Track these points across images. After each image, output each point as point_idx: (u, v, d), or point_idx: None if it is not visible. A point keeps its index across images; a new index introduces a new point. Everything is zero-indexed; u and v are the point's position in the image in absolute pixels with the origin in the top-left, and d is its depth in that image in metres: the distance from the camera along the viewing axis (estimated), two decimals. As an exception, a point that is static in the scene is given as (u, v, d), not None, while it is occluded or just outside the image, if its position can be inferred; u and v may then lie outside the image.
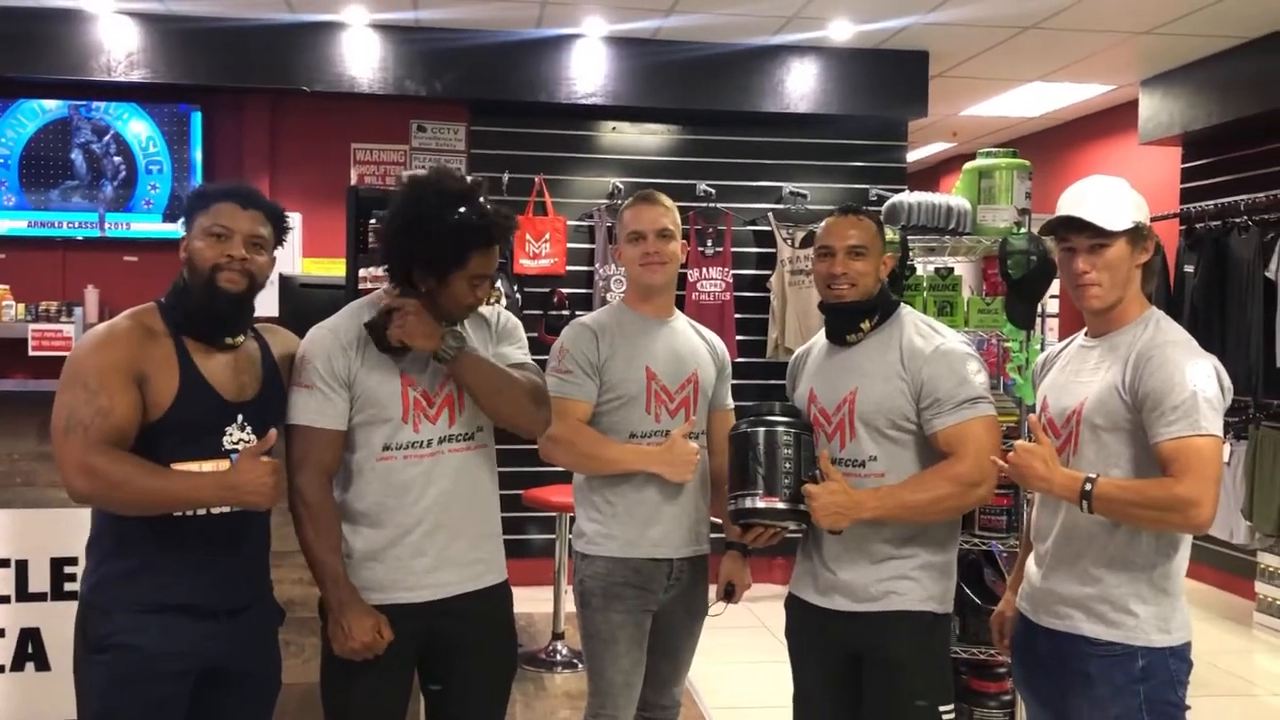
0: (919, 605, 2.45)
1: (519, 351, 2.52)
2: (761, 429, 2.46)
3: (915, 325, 2.53)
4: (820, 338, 2.67)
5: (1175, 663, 2.19)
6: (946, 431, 2.41)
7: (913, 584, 2.46)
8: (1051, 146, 8.21)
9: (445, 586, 2.37)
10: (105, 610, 2.14)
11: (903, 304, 2.61)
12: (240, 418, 2.24)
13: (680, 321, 2.88)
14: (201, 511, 2.17)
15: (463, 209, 2.30)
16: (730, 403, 2.94)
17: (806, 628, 2.60)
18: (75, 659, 2.19)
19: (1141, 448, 2.17)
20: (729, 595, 2.85)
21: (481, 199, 2.34)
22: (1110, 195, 2.30)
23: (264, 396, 2.29)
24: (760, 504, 2.44)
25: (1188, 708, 2.22)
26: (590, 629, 2.73)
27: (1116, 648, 2.19)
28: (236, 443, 2.22)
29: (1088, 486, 2.14)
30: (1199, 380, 2.11)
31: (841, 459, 2.48)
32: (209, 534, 2.19)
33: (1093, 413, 2.24)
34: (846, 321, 2.55)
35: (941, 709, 2.46)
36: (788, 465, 2.43)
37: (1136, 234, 2.27)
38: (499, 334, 2.51)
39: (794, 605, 2.64)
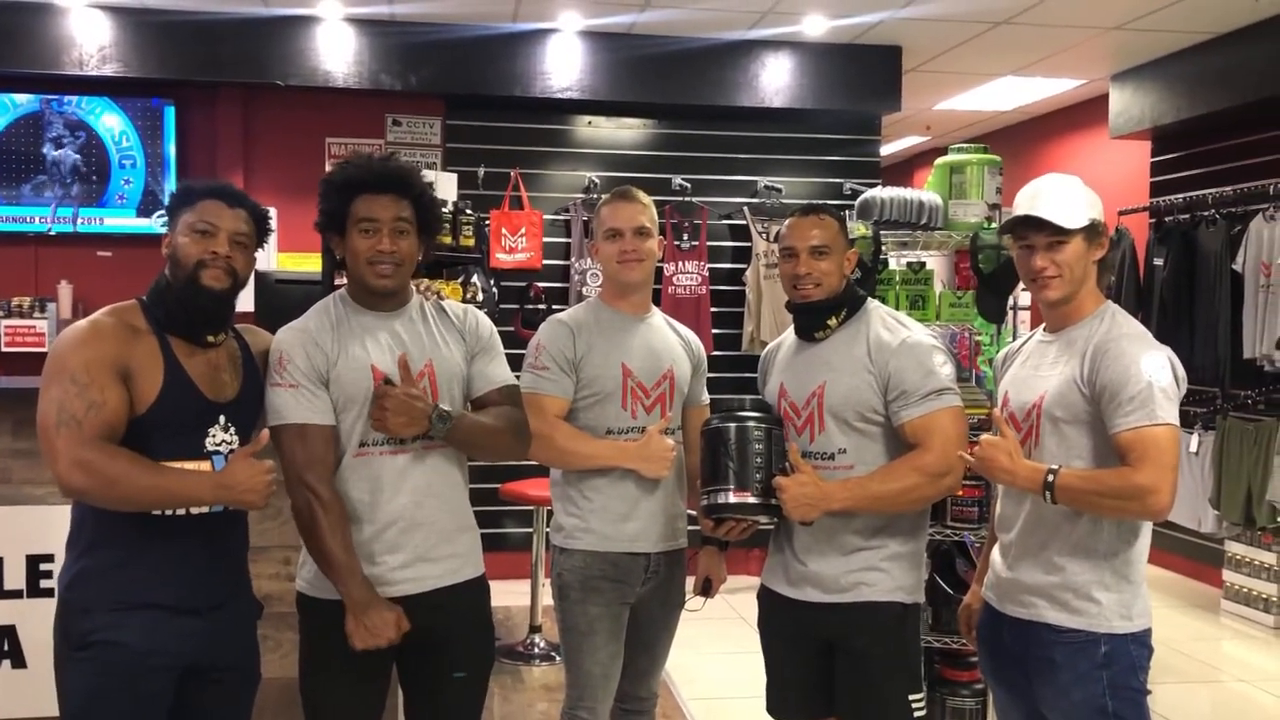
0: (888, 596, 2.49)
1: (500, 368, 2.52)
2: (732, 425, 2.49)
3: (882, 319, 2.57)
4: (790, 333, 2.71)
5: (1136, 649, 2.24)
6: (914, 423, 2.45)
7: (882, 575, 2.49)
8: (1023, 140, 8.28)
9: (422, 581, 2.38)
10: (85, 608, 2.14)
11: (870, 299, 2.65)
12: (223, 418, 2.24)
13: (657, 318, 2.90)
14: (181, 511, 2.17)
15: (353, 165, 2.40)
16: (706, 398, 2.97)
17: (778, 619, 2.64)
18: (56, 657, 2.19)
19: (1101, 439, 2.22)
20: (706, 590, 2.89)
21: (387, 160, 2.42)
22: (1066, 193, 2.35)
23: (245, 397, 2.29)
24: (732, 499, 2.46)
25: (1149, 692, 2.27)
26: (568, 622, 2.75)
27: (1080, 635, 2.23)
28: (219, 443, 2.22)
29: (1050, 478, 2.19)
30: (1154, 371, 2.17)
31: (811, 452, 2.51)
32: (189, 531, 2.19)
33: (1053, 406, 2.29)
34: (814, 320, 2.58)
35: (911, 698, 2.50)
36: (758, 460, 2.45)
37: (1092, 230, 2.33)
38: (475, 344, 2.50)
39: (766, 596, 2.68)
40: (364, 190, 2.36)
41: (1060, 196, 2.33)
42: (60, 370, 2.09)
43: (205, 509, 2.19)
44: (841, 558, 2.50)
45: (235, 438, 2.25)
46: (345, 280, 2.50)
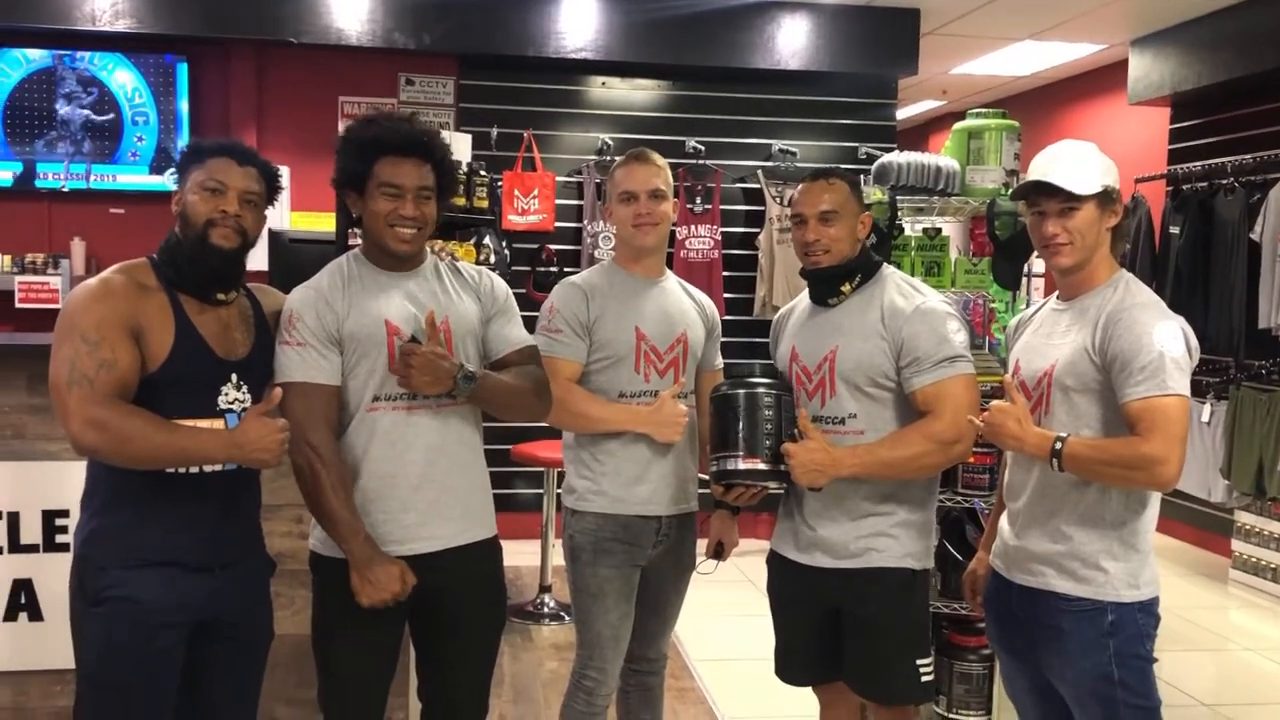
0: (897, 562, 2.50)
1: (517, 329, 2.55)
2: (742, 391, 2.49)
3: (897, 285, 2.56)
4: (804, 298, 2.69)
5: (1144, 617, 2.25)
6: (925, 389, 2.44)
7: (891, 541, 2.51)
8: (1041, 106, 8.20)
9: (434, 540, 2.39)
10: (100, 565, 2.16)
11: (885, 264, 2.63)
12: (235, 376, 2.24)
13: (670, 281, 2.88)
14: (194, 469, 2.18)
15: (376, 125, 2.39)
16: (719, 363, 2.96)
17: (787, 583, 2.65)
18: (72, 612, 2.21)
19: (1111, 408, 2.21)
20: (718, 554, 2.91)
21: (405, 123, 2.40)
22: (1081, 159, 2.33)
23: (256, 356, 2.29)
24: (742, 465, 2.47)
25: (1155, 660, 2.28)
26: (579, 583, 2.77)
27: (1087, 603, 2.24)
28: (232, 402, 2.23)
29: (1058, 445, 2.19)
30: (1165, 341, 2.16)
31: (822, 416, 2.51)
32: (202, 490, 2.21)
33: (1063, 374, 2.28)
34: (826, 287, 2.58)
35: (919, 662, 2.52)
36: (768, 426, 2.46)
37: (1106, 198, 2.31)
38: (491, 305, 2.51)
39: (775, 561, 2.68)
40: (388, 152, 2.35)
41: (1074, 162, 2.31)
42: (71, 329, 2.09)
43: (218, 467, 2.20)
44: (851, 523, 2.51)
45: (248, 396, 2.26)
46: (360, 239, 2.50)
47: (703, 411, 2.83)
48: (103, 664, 2.15)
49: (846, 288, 2.56)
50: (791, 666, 2.70)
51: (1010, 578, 2.39)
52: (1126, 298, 2.27)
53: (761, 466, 2.46)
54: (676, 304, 2.83)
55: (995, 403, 2.31)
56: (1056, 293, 2.44)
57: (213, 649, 2.27)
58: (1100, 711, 2.25)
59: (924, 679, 2.54)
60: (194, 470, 2.18)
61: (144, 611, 2.14)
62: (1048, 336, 2.37)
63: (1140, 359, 2.15)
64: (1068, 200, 2.28)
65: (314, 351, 2.32)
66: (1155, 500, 2.29)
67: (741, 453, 2.47)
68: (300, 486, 2.34)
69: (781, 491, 2.60)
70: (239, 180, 2.22)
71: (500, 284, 2.58)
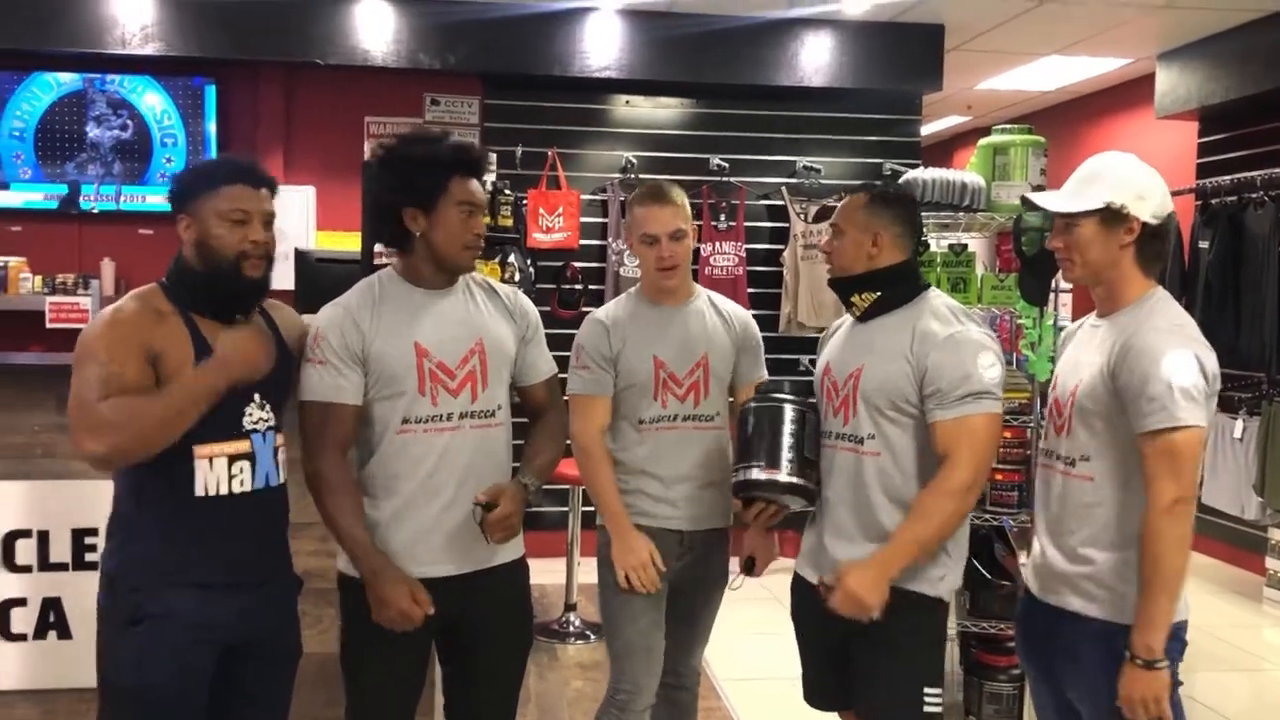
0: (910, 585, 2.41)
1: (545, 358, 2.60)
2: (767, 404, 2.52)
3: (936, 310, 2.46)
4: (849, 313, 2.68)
5: (1171, 642, 2.15)
6: (944, 425, 2.36)
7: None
8: (1067, 121, 8.16)
9: (464, 563, 2.39)
10: (134, 586, 2.16)
11: (932, 288, 2.56)
12: (258, 396, 2.24)
13: (700, 302, 2.88)
14: (225, 491, 2.18)
15: (436, 141, 2.41)
16: (761, 374, 2.92)
17: (806, 607, 2.60)
18: (103, 633, 2.20)
19: (1125, 434, 2.16)
20: (750, 568, 2.88)
21: (448, 138, 2.45)
22: (1092, 174, 2.29)
23: (277, 374, 2.29)
24: (760, 476, 2.46)
25: (1180, 683, 2.20)
26: (608, 594, 2.80)
27: (1104, 624, 2.19)
28: (256, 422, 2.23)
29: (1145, 650, 2.10)
30: (1174, 371, 2.09)
31: (842, 434, 2.48)
32: (234, 511, 2.21)
33: (1084, 396, 2.25)
34: (840, 294, 2.58)
35: (926, 691, 2.44)
36: (790, 440, 2.46)
37: (1110, 215, 2.23)
38: (525, 328, 2.53)
39: (796, 584, 2.65)
40: (464, 171, 2.38)
41: (1084, 178, 2.29)
42: (85, 356, 2.10)
43: (247, 489, 2.21)
44: (870, 545, 2.43)
45: (271, 415, 2.26)
46: (395, 256, 2.47)
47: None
48: (138, 683, 2.15)
49: (859, 299, 2.52)
50: (815, 692, 2.67)
51: (1038, 595, 2.36)
52: (1146, 321, 2.19)
53: (780, 479, 2.45)
54: (700, 327, 2.83)
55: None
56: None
57: (243, 668, 2.26)
58: None
59: (928, 709, 2.43)
60: (223, 492, 2.18)
61: (181, 627, 2.14)
62: (1081, 354, 2.33)
63: (1149, 389, 2.10)
64: (1065, 215, 2.27)
65: (333, 370, 2.33)
66: None
67: (761, 463, 2.47)
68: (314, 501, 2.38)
69: (803, 509, 2.57)
70: (258, 204, 2.21)
71: (532, 308, 2.60)
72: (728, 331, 2.87)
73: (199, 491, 2.16)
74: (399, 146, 2.42)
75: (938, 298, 2.52)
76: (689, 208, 2.82)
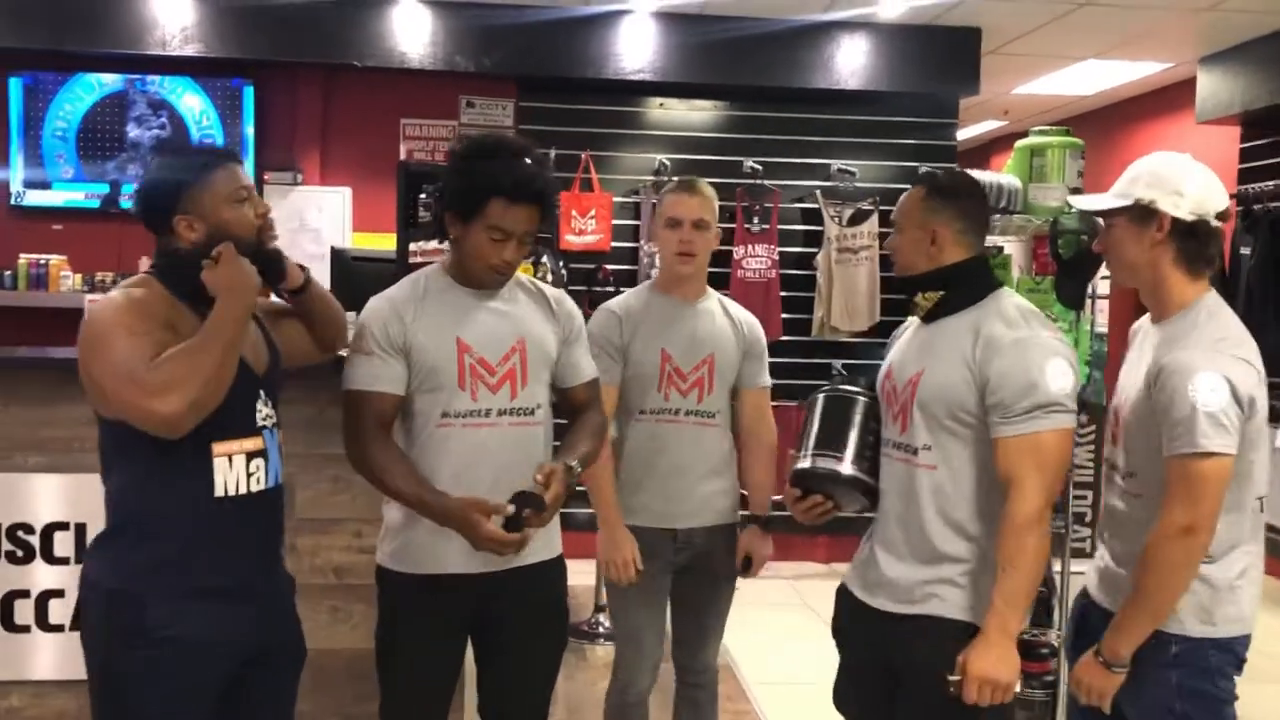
0: (958, 613, 2.24)
1: (587, 360, 2.58)
2: (838, 395, 2.45)
3: (1005, 312, 2.26)
4: None
5: (1217, 654, 2.14)
6: (1007, 444, 2.15)
7: (958, 591, 2.24)
8: (1106, 126, 8.08)
9: (497, 559, 2.38)
10: (139, 602, 2.03)
11: (1005, 287, 2.36)
12: (263, 392, 2.17)
13: (710, 302, 2.96)
14: (244, 490, 2.11)
15: (499, 158, 2.32)
16: (764, 381, 3.01)
17: (850, 620, 2.46)
18: (96, 647, 2.08)
19: (1159, 452, 2.11)
20: (745, 568, 2.96)
21: (527, 159, 2.33)
22: (1135, 175, 2.23)
23: (273, 369, 2.24)
24: (822, 466, 2.38)
25: (1231, 699, 2.17)
26: (610, 586, 2.93)
27: (1155, 633, 2.14)
28: (265, 418, 2.17)
29: (1116, 662, 2.15)
30: (1201, 394, 2.02)
31: (900, 442, 2.33)
32: (245, 510, 2.13)
33: (1129, 410, 2.23)
34: (904, 293, 2.42)
35: None
36: (857, 434, 2.37)
37: (1141, 212, 2.18)
38: (569, 330, 2.51)
39: (842, 596, 2.50)
40: (504, 194, 2.29)
41: (1128, 177, 2.24)
42: (109, 334, 1.96)
43: (263, 486, 2.14)
44: (921, 566, 2.28)
45: (274, 411, 2.21)
46: (423, 255, 2.53)
47: (743, 429, 2.99)
48: (143, 706, 2.04)
49: (922, 299, 2.34)
50: (845, 700, 2.53)
51: (1094, 597, 2.34)
52: (1187, 335, 2.13)
53: (844, 471, 2.36)
54: (710, 326, 2.91)
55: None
56: None
57: (253, 675, 2.18)
58: None
59: None
60: (236, 492, 2.10)
61: (190, 649, 2.04)
62: (1137, 361, 2.27)
63: (1174, 412, 2.05)
64: (1095, 214, 2.30)
65: (376, 360, 2.35)
66: (1249, 536, 2.18)
67: (824, 453, 2.38)
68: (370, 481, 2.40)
69: (859, 513, 2.47)
70: (247, 178, 2.16)
71: (576, 311, 2.58)
72: (735, 334, 2.94)
73: (219, 492, 2.08)
74: (466, 147, 2.38)
75: (1009, 298, 2.32)
76: (717, 206, 2.88)
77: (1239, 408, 2.05)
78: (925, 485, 2.27)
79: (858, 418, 2.38)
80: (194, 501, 2.07)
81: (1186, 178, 2.19)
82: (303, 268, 2.31)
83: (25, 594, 2.98)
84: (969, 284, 2.32)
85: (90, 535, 3.01)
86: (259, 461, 2.15)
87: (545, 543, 2.48)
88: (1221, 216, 2.21)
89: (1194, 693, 2.14)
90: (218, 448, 2.08)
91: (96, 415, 2.12)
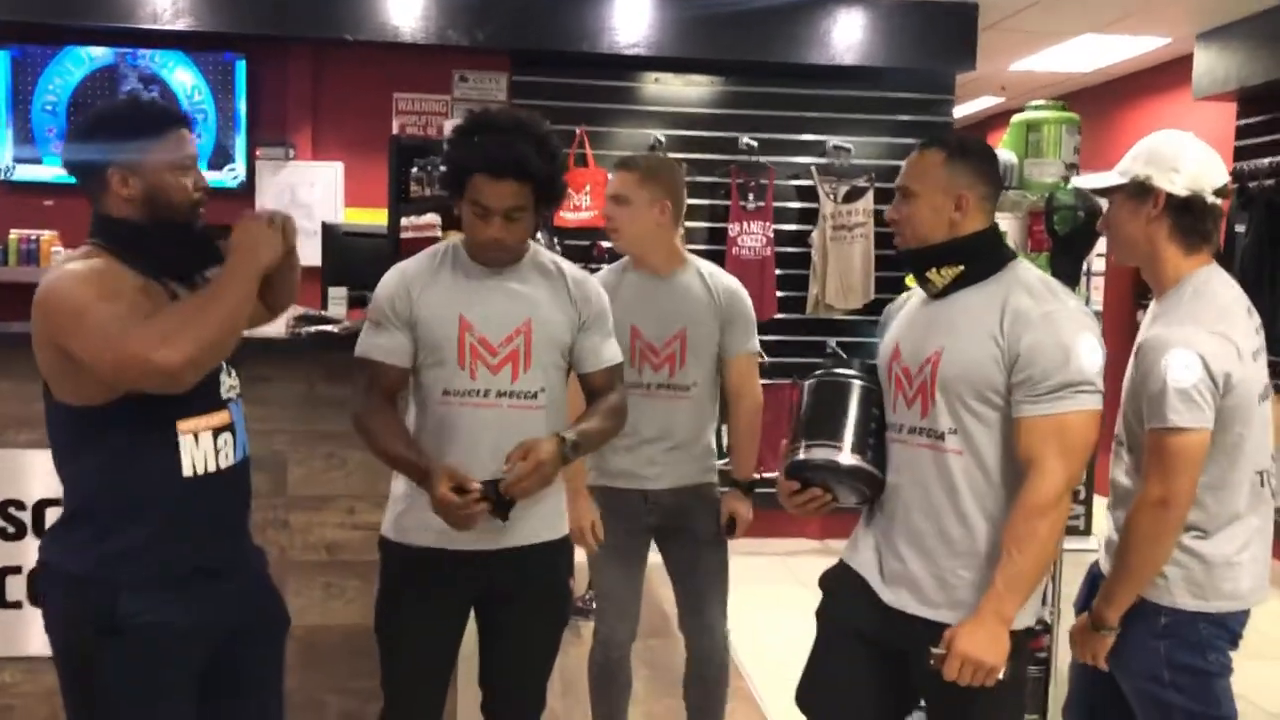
0: None
1: (608, 346, 2.51)
2: (830, 380, 2.29)
3: (1029, 283, 2.14)
4: (918, 288, 2.34)
5: (1208, 628, 2.19)
6: (1030, 424, 2.04)
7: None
8: (1103, 103, 8.05)
9: (498, 538, 2.38)
10: (112, 590, 1.96)
11: (1021, 259, 2.23)
12: (225, 362, 2.08)
13: (688, 274, 3.00)
14: (213, 468, 2.05)
15: (484, 134, 2.30)
16: (747, 348, 3.04)
17: (856, 610, 2.26)
18: (69, 642, 2.01)
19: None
20: (730, 530, 3.06)
21: (514, 134, 2.28)
22: (1133, 154, 2.27)
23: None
24: (818, 456, 2.21)
25: (1222, 673, 2.21)
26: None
27: (1143, 604, 2.21)
28: (229, 390, 2.11)
29: (1104, 621, 2.23)
30: (1172, 370, 2.07)
31: (919, 428, 2.16)
32: (214, 490, 2.07)
33: (1124, 386, 2.26)
34: (914, 270, 2.24)
35: None
36: (855, 420, 2.21)
37: (1137, 188, 2.22)
38: (586, 315, 2.45)
39: (846, 578, 2.30)
40: (481, 171, 2.27)
41: (1128, 156, 2.28)
42: (83, 306, 1.87)
43: (232, 461, 2.09)
44: (949, 560, 2.14)
45: (238, 381, 2.15)
46: (414, 230, 2.53)
47: (732, 397, 3.06)
48: (120, 696, 1.98)
49: (936, 276, 2.17)
50: (824, 701, 2.33)
51: (1101, 568, 2.37)
52: (1171, 311, 2.18)
53: (843, 461, 2.19)
54: (682, 299, 2.95)
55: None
56: None
57: (237, 651, 2.14)
58: (1155, 714, 2.22)
59: None
60: (212, 469, 2.05)
61: (173, 635, 1.99)
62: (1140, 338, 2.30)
63: (1148, 387, 2.11)
64: (1093, 193, 2.36)
65: (384, 331, 2.38)
66: (1247, 510, 2.20)
67: (820, 442, 2.21)
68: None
69: (858, 505, 2.33)
70: (195, 148, 2.10)
71: (600, 296, 2.52)
72: (711, 305, 2.97)
73: (188, 472, 2.01)
74: (459, 124, 2.37)
75: (1028, 270, 2.19)
76: (649, 181, 2.92)
77: (1213, 383, 2.08)
78: (959, 472, 2.13)
79: (854, 403, 2.22)
80: (163, 484, 2.00)
81: (1183, 154, 2.22)
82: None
83: (17, 570, 2.98)
84: (989, 255, 2.18)
85: (82, 511, 3.01)
86: (226, 437, 2.09)
87: (547, 524, 2.47)
88: (1220, 193, 2.23)
89: (1182, 664, 2.18)
90: (183, 425, 2.01)
91: (51, 402, 2.02)
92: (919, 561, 2.17)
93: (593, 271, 2.77)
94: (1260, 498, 2.23)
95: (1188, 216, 2.20)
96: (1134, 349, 2.21)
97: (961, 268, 2.16)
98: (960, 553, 2.13)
